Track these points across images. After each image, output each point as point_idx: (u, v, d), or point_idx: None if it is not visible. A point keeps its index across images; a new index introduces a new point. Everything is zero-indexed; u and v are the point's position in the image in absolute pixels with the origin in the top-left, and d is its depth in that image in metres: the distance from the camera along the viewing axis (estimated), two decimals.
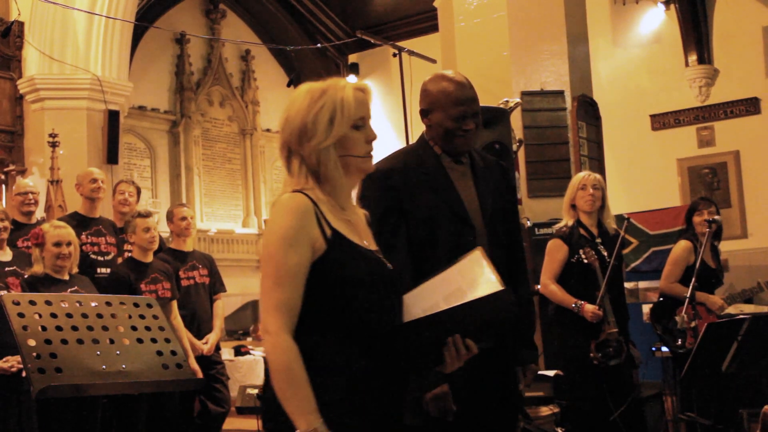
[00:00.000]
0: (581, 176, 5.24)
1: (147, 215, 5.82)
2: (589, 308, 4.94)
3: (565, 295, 5.08)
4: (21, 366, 4.63)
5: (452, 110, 3.11)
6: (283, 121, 2.29)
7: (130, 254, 5.91)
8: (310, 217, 2.17)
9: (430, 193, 3.08)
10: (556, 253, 5.18)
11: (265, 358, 2.18)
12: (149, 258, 5.77)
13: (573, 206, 5.21)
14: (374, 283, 2.21)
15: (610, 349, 4.90)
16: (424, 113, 3.19)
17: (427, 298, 2.21)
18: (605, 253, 5.05)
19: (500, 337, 3.09)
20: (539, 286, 5.33)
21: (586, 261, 4.99)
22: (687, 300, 5.38)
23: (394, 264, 2.34)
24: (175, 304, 5.82)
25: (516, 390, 3.27)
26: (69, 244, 5.15)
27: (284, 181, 2.32)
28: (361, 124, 2.26)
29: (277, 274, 2.15)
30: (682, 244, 6.06)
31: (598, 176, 5.24)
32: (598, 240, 5.12)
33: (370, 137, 2.28)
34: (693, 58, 10.86)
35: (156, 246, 5.83)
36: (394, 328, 2.21)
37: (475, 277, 2.20)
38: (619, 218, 5.42)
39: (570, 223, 5.19)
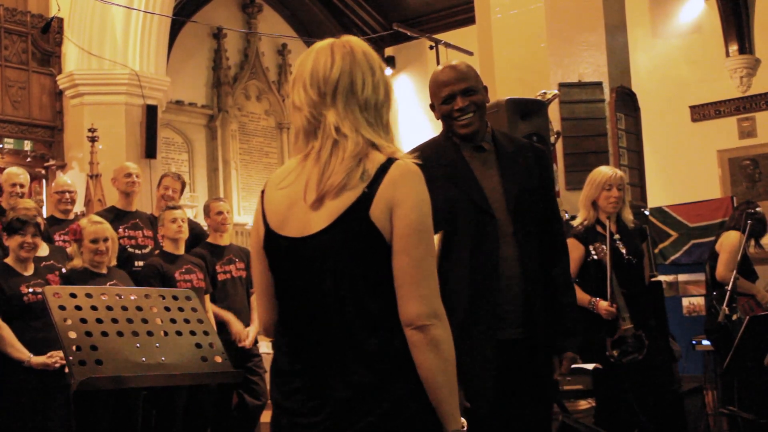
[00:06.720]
0: (607, 174, 4.95)
1: (174, 207, 5.91)
2: (603, 305, 4.83)
3: (582, 294, 4.96)
4: (64, 362, 4.68)
5: (441, 93, 3.11)
6: (349, 67, 1.98)
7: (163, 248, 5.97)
8: None
9: (449, 186, 3.01)
10: (572, 252, 5.03)
11: (419, 349, 1.84)
12: (180, 250, 5.86)
13: (593, 203, 5.01)
14: None
15: (628, 346, 4.82)
16: (432, 109, 3.20)
17: None
18: (623, 250, 4.91)
19: (530, 325, 3.03)
20: None
21: (596, 257, 4.88)
22: (728, 293, 5.32)
23: None
24: (208, 298, 5.87)
25: (551, 381, 3.19)
26: (106, 239, 5.23)
27: (382, 140, 1.99)
28: None
29: (434, 253, 1.89)
30: (735, 234, 5.96)
31: (622, 174, 5.06)
32: (617, 236, 4.98)
33: None
34: (734, 47, 10.67)
35: (185, 235, 5.89)
36: None
37: None
38: (640, 214, 5.31)
39: (587, 221, 5.01)
